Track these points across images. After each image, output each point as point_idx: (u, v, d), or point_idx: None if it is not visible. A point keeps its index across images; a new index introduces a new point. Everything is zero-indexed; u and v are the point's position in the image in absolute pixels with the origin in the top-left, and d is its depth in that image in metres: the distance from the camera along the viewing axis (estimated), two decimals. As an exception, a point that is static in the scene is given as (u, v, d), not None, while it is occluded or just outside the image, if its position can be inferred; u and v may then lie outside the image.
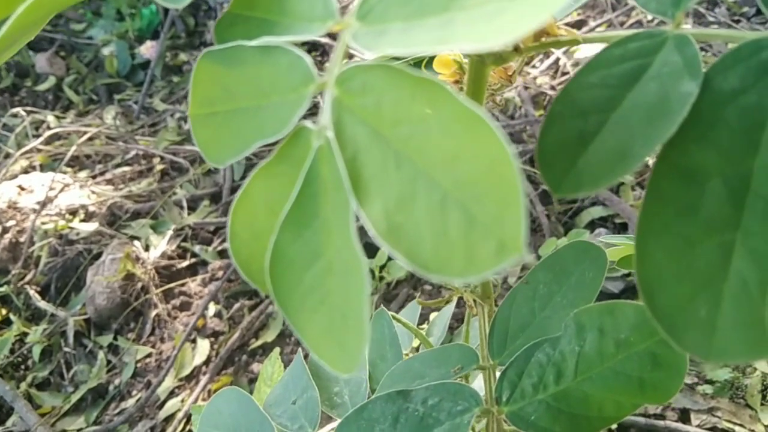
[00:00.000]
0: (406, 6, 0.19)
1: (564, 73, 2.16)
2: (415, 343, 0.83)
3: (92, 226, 1.74)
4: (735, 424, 1.20)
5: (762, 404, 1.19)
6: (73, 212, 1.79)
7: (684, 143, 0.22)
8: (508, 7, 0.16)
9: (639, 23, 2.13)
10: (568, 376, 0.34)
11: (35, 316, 1.64)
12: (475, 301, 0.43)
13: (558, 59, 2.20)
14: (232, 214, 0.26)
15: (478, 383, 0.59)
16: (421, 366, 0.41)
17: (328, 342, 0.23)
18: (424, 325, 0.87)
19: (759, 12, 2.05)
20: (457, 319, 1.29)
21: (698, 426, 1.23)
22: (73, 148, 2.00)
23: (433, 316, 0.87)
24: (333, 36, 0.22)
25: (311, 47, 2.32)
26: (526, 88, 2.02)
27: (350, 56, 0.22)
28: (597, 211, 1.63)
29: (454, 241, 0.17)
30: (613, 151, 0.22)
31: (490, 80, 0.36)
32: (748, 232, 0.21)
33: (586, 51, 2.18)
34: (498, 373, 0.38)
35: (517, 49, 0.28)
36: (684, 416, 1.24)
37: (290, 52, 0.22)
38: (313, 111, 0.22)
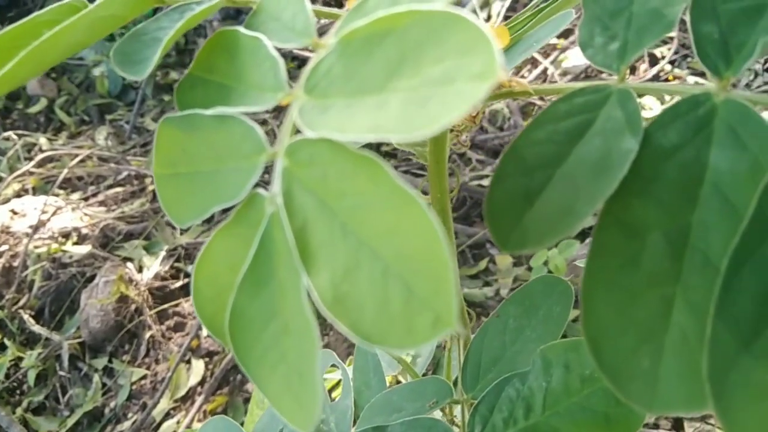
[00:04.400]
0: (349, 82, 0.20)
1: (552, 83, 2.18)
2: (410, 357, 0.83)
3: (85, 249, 1.74)
4: (729, 431, 1.21)
5: (755, 410, 1.19)
6: (66, 235, 1.79)
7: (625, 198, 0.23)
8: (436, 93, 0.17)
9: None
10: (537, 411, 0.35)
11: (30, 341, 1.65)
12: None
13: (546, 69, 2.22)
14: (195, 270, 0.26)
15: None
16: (399, 399, 0.42)
17: (287, 398, 0.23)
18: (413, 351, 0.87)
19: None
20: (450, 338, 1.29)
21: (692, 434, 1.23)
22: (65, 170, 2.01)
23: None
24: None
25: (299, 61, 2.33)
26: (514, 99, 2.03)
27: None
28: (588, 221, 1.63)
29: (395, 312, 0.18)
30: (557, 208, 0.23)
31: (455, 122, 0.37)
32: (687, 285, 0.22)
33: (574, 60, 2.20)
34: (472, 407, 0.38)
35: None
36: (677, 424, 1.25)
37: (243, 123, 0.23)
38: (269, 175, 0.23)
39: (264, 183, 0.23)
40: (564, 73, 2.21)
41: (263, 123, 1.97)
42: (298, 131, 0.21)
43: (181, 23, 0.28)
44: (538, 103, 2.07)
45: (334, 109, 0.20)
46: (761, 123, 0.23)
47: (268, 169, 0.24)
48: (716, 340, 0.20)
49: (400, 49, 0.18)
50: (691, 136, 0.24)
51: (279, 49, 0.24)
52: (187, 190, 0.26)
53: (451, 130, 0.37)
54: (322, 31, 0.27)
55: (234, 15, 2.49)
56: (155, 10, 0.33)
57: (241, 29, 0.25)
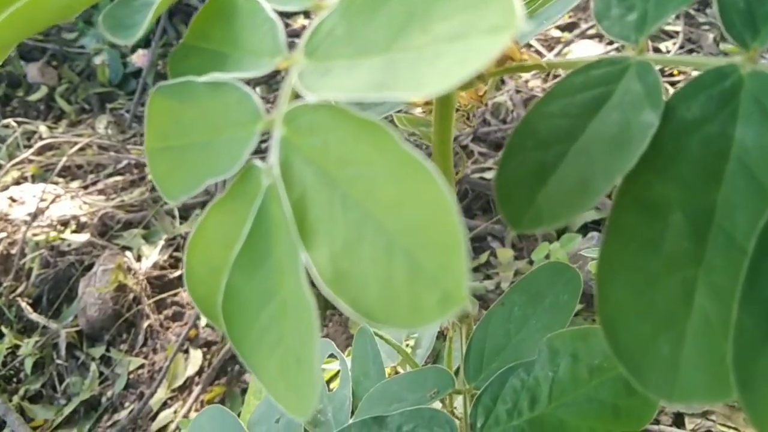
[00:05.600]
0: (351, 43, 0.19)
1: (555, 76, 2.16)
2: (409, 349, 0.82)
3: (84, 237, 1.73)
4: (729, 427, 1.20)
5: (757, 407, 1.18)
6: (65, 223, 1.78)
7: (645, 175, 0.22)
8: (447, 50, 0.15)
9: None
10: (543, 402, 0.34)
11: (27, 329, 1.63)
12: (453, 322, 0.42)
13: (550, 62, 2.19)
14: (188, 249, 0.25)
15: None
16: (398, 389, 0.41)
17: (284, 385, 0.22)
18: (415, 334, 0.86)
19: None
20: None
21: (692, 430, 1.23)
22: (65, 158, 1.99)
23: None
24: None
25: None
26: (518, 91, 2.02)
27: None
28: (590, 215, 1.62)
29: (400, 289, 0.17)
30: (574, 185, 0.22)
31: (461, 101, 0.35)
32: (711, 267, 0.21)
33: (578, 53, 2.18)
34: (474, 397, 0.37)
35: (480, 77, 0.27)
36: (678, 420, 1.24)
37: (238, 89, 0.21)
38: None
39: (262, 153, 0.21)
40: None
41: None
42: (297, 97, 0.20)
43: (175, -11, 0.27)
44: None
45: (335, 72, 0.18)
46: (792, 96, 0.21)
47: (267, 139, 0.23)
48: (742, 326, 0.19)
49: (406, 5, 0.17)
50: (716, 110, 0.22)
51: (279, 12, 0.23)
52: (179, 164, 0.24)
53: (457, 110, 0.36)
54: None
55: None
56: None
57: (239, -8, 0.24)
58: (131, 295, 1.59)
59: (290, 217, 0.19)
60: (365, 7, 0.19)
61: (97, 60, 2.59)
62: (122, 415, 1.45)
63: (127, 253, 1.68)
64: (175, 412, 1.42)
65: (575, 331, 0.34)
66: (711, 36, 2.01)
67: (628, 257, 0.21)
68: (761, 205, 0.20)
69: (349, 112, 0.18)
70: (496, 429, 0.35)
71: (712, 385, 0.20)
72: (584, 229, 1.60)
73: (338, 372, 0.64)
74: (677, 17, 2.04)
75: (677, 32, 2.07)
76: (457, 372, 0.43)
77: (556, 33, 2.29)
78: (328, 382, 0.92)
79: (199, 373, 1.48)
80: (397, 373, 0.86)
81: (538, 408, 0.34)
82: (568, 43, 2.21)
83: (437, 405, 0.53)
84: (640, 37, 0.25)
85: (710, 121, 0.22)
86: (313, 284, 0.20)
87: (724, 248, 0.21)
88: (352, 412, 0.57)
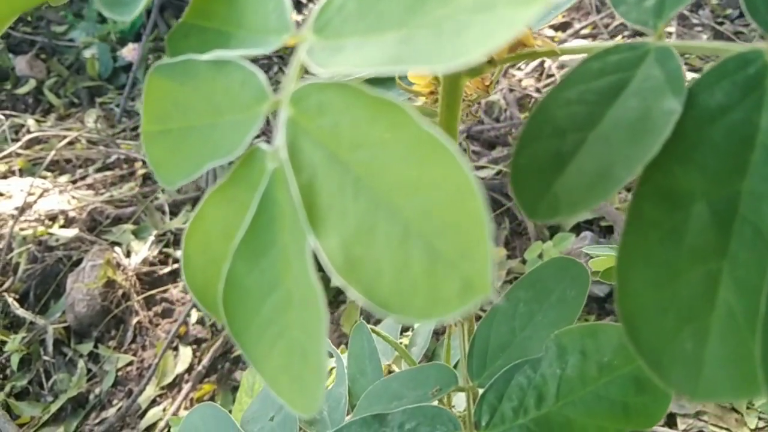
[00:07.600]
0: (364, 19, 0.18)
1: (549, 75, 2.16)
2: (403, 346, 0.81)
3: (72, 232, 1.70)
4: (721, 428, 1.20)
5: (748, 407, 1.18)
6: (53, 218, 1.75)
7: (667, 164, 0.21)
8: (473, 21, 0.14)
9: (624, 25, 2.13)
10: (550, 400, 0.33)
11: (14, 325, 1.61)
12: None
13: (543, 61, 2.19)
14: (186, 238, 0.24)
15: (461, 397, 0.58)
16: (399, 386, 0.40)
17: (287, 380, 0.21)
18: (409, 332, 0.85)
19: (742, 14, 2.05)
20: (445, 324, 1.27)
21: (684, 430, 1.22)
22: (53, 152, 1.97)
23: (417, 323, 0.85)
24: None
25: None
26: (511, 90, 2.01)
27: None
28: (583, 214, 1.62)
29: (417, 277, 0.16)
30: (592, 173, 0.21)
31: (467, 91, 0.34)
32: (736, 260, 0.20)
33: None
34: (478, 395, 0.36)
35: (491, 62, 0.26)
36: (670, 420, 1.24)
37: (243, 68, 0.20)
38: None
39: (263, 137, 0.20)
40: (561, 67, 2.19)
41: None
42: (304, 76, 0.19)
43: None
44: (536, 96, 2.05)
45: (347, 49, 0.17)
46: (820, 82, 0.20)
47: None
48: (771, 321, 0.18)
49: (426, -24, 0.16)
50: (740, 97, 0.21)
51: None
52: (178, 148, 0.23)
53: (462, 100, 0.35)
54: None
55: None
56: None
57: (243, -33, 0.23)
58: (120, 291, 1.57)
59: (299, 201, 0.18)
60: (380, -20, 0.18)
61: (87, 53, 2.56)
62: (110, 412, 1.43)
63: (116, 248, 1.66)
64: (164, 410, 1.40)
65: (584, 327, 0.33)
66: (704, 37, 2.01)
67: (648, 248, 0.20)
68: (789, 196, 0.19)
69: (361, 90, 0.17)
70: (502, 427, 0.34)
71: (738, 382, 0.19)
72: (577, 229, 1.60)
73: (332, 369, 0.63)
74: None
75: (671, 33, 2.07)
76: (456, 369, 0.42)
77: (550, 32, 2.29)
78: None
79: (189, 370, 1.47)
80: (391, 371, 0.85)
81: (545, 406, 0.33)
82: (561, 43, 2.20)
83: (435, 403, 0.52)
84: (659, 22, 0.24)
85: (734, 109, 0.21)
86: (320, 271, 0.19)
87: (750, 240, 0.20)
88: (349, 411, 0.56)
